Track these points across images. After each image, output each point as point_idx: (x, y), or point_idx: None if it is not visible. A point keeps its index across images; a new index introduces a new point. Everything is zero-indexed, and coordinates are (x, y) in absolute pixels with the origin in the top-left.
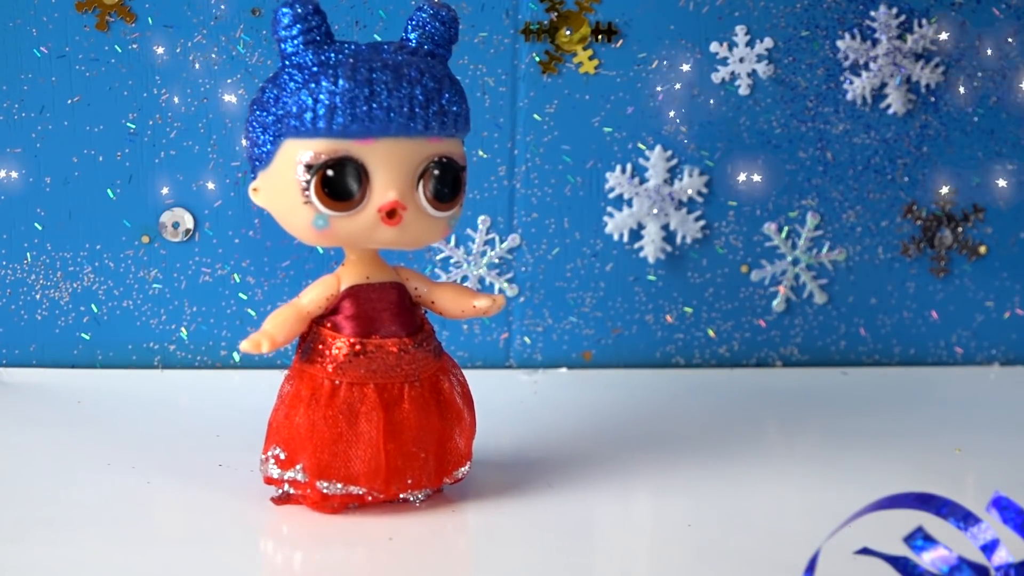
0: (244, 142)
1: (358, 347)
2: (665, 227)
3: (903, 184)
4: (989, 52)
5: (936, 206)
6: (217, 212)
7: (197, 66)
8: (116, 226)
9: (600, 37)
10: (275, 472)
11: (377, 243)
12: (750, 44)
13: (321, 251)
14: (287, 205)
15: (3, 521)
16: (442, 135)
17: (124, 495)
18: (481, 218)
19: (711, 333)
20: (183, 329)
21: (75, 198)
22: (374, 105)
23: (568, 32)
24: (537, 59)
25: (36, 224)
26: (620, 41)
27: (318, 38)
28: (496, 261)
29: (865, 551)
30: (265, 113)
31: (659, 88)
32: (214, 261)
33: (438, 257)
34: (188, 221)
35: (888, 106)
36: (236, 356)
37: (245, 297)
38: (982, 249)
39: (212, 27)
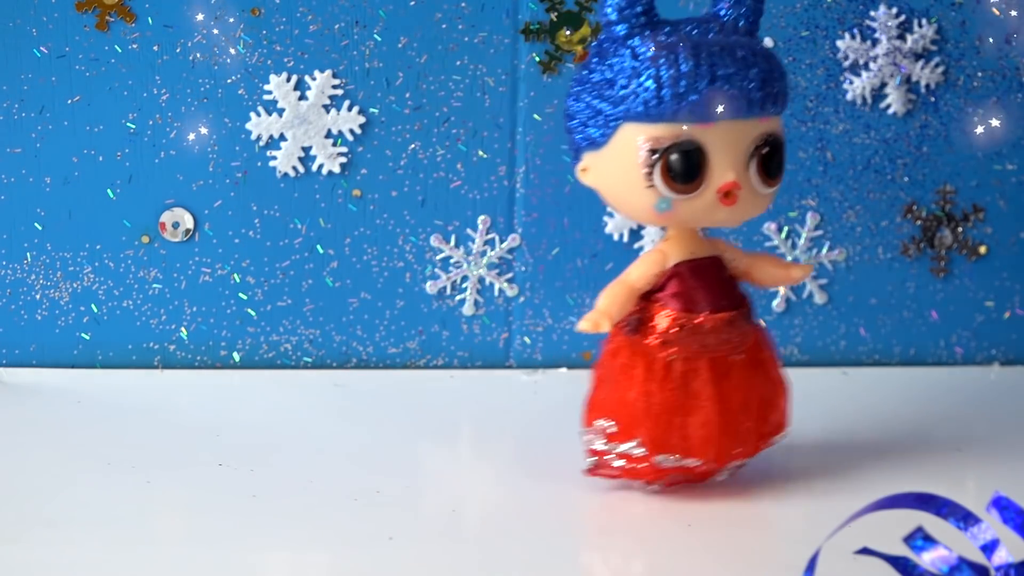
0: (567, 122)
1: (687, 322)
2: (665, 227)
3: (903, 184)
4: (989, 52)
5: (936, 206)
6: (217, 212)
7: (197, 66)
8: (116, 226)
9: None
10: (600, 445)
11: (712, 222)
12: None
13: (321, 251)
14: (626, 188)
15: (3, 521)
16: (772, 114)
17: (124, 495)
18: (481, 218)
19: None
20: (183, 329)
21: (75, 198)
22: (716, 89)
23: (568, 32)
24: (537, 59)
25: (36, 224)
26: None
27: (648, 20)
28: (496, 261)
29: (865, 551)
30: (598, 97)
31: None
32: (214, 261)
33: (438, 257)
34: (188, 221)
35: (888, 106)
36: (236, 356)
37: (245, 297)
38: (982, 249)
39: (212, 27)
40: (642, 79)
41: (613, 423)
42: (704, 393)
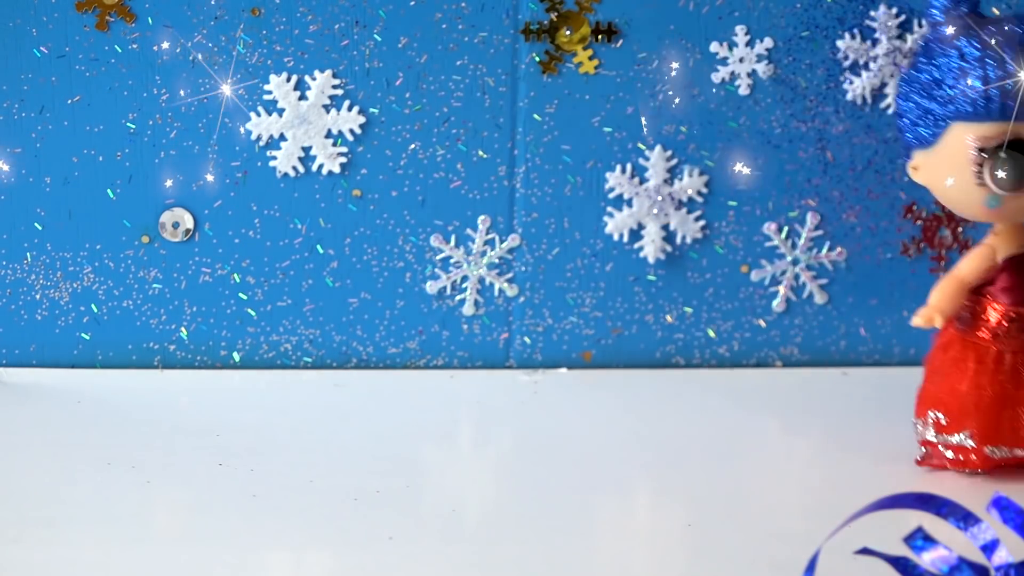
0: (898, 120)
1: (1018, 316)
2: (665, 227)
3: (903, 184)
4: None
5: (936, 205)
6: (217, 212)
7: (197, 66)
8: (116, 226)
9: (600, 37)
10: (931, 435)
11: None
12: (750, 44)
13: (321, 251)
14: (957, 186)
15: (3, 521)
16: None
17: (124, 495)
18: (481, 218)
19: (711, 333)
20: (183, 329)
21: (75, 198)
22: None
23: (568, 32)
24: (537, 59)
25: (36, 224)
26: (620, 41)
27: (974, 19)
28: (496, 261)
29: (865, 551)
30: (927, 97)
31: (659, 88)
32: (214, 261)
33: (438, 257)
34: (188, 221)
35: (888, 106)
36: (236, 356)
37: (245, 297)
38: None
39: (212, 27)
40: (972, 80)
41: (943, 415)
42: None
